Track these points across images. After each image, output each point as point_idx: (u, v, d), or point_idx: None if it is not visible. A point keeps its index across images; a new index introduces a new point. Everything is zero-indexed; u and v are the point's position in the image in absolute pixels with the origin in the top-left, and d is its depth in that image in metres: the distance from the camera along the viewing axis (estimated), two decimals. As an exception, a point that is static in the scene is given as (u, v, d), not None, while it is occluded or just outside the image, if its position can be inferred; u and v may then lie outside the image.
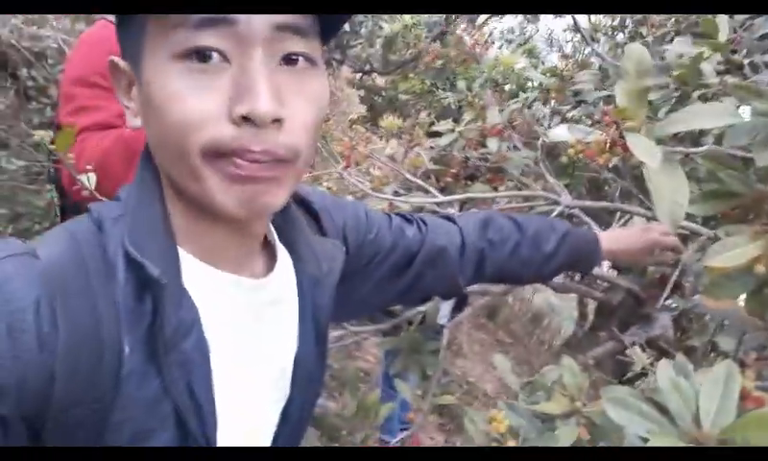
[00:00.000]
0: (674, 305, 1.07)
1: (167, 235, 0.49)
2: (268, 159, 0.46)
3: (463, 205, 1.45)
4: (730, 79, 0.86)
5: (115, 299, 0.46)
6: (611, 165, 0.70)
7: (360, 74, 5.19)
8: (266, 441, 0.59)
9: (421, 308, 1.15)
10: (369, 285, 0.75)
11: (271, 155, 0.46)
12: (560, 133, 0.67)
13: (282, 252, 0.61)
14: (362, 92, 6.19)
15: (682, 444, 0.47)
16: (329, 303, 0.63)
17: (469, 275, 0.83)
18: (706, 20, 0.94)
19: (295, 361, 0.60)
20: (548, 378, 0.81)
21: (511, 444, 0.64)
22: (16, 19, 2.82)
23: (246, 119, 0.44)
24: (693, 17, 1.64)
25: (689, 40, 0.91)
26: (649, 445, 0.47)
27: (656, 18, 1.66)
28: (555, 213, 1.23)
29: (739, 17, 1.61)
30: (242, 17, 0.44)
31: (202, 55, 0.44)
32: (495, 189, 1.40)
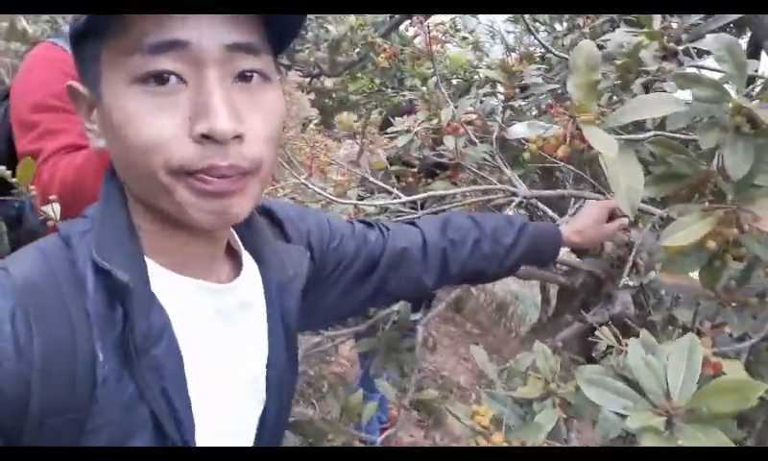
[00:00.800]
0: (631, 283, 1.13)
1: (133, 245, 0.51)
2: (233, 173, 0.48)
3: (424, 202, 1.48)
4: (667, 65, 0.91)
5: (86, 309, 0.48)
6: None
7: (309, 78, 5.17)
8: (248, 440, 0.61)
9: (395, 307, 1.17)
10: (336, 292, 0.77)
11: (236, 168, 0.48)
12: (519, 130, 0.70)
13: (248, 258, 0.63)
14: (312, 95, 6.15)
15: (656, 418, 0.50)
16: (297, 307, 0.65)
17: (435, 275, 0.86)
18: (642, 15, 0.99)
19: (267, 366, 0.62)
20: (522, 364, 0.84)
21: (496, 435, 0.66)
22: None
23: (206, 137, 0.46)
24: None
25: (627, 31, 0.96)
26: (628, 422, 0.50)
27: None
28: (513, 204, 1.28)
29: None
30: (194, 39, 0.46)
31: (159, 78, 0.46)
32: (455, 185, 1.43)
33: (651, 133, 0.76)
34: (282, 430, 0.67)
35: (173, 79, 0.46)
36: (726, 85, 0.70)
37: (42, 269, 0.48)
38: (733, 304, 0.84)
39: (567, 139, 0.64)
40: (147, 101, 0.46)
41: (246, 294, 0.61)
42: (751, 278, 0.86)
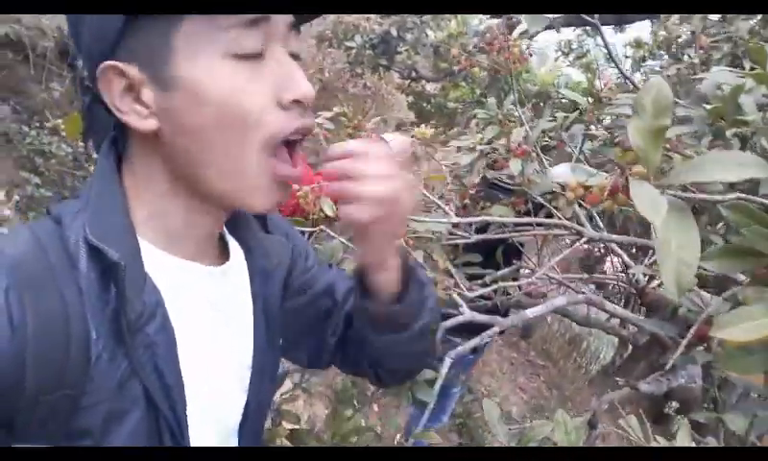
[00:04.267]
0: (699, 359, 0.97)
1: (127, 225, 0.52)
2: (307, 135, 0.52)
3: (483, 228, 1.39)
4: (772, 117, 0.76)
5: (79, 287, 0.48)
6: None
7: (408, 80, 5.15)
8: (234, 425, 0.62)
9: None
10: (305, 319, 0.72)
11: (311, 129, 0.52)
12: (560, 172, 0.60)
13: (234, 245, 0.64)
14: (411, 98, 6.15)
15: None
16: (279, 295, 0.66)
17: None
18: (753, 47, 0.84)
19: (253, 353, 0.63)
20: (540, 432, 0.75)
21: None
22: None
23: (295, 102, 0.50)
24: (754, 42, 1.51)
25: (730, 70, 0.82)
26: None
27: (705, 40, 1.54)
28: (578, 243, 1.16)
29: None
30: (273, 17, 0.49)
31: (250, 53, 0.48)
32: (518, 214, 1.32)
33: (732, 196, 0.64)
34: (265, 414, 0.69)
35: (257, 53, 0.49)
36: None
37: (34, 249, 0.48)
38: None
39: (610, 192, 0.54)
40: (240, 75, 0.48)
41: (234, 278, 0.62)
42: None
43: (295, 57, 0.53)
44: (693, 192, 0.66)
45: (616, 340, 5.07)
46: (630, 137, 0.61)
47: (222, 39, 0.47)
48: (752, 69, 0.95)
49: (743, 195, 0.67)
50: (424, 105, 6.29)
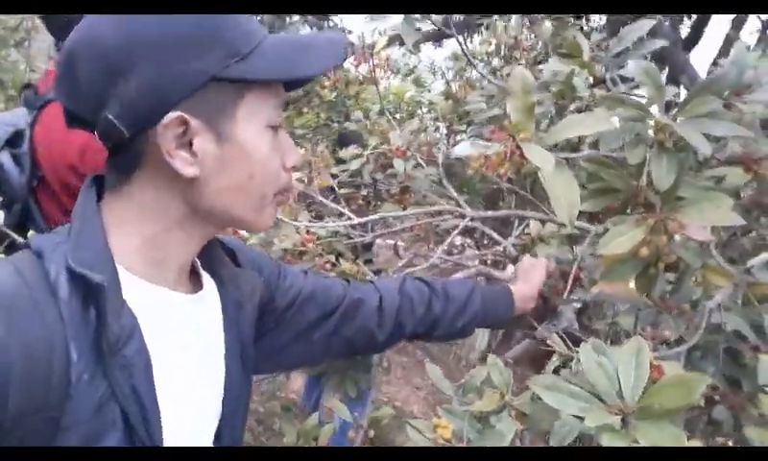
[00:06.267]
0: (576, 297, 1.18)
1: (107, 253, 0.55)
2: None
3: (374, 226, 1.50)
4: (598, 92, 0.98)
5: (61, 313, 0.50)
6: (507, 176, 0.78)
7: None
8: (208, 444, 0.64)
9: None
10: (291, 333, 0.82)
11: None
12: (462, 148, 0.73)
13: (207, 277, 0.68)
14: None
15: (612, 417, 0.53)
16: (251, 326, 0.71)
17: (388, 332, 0.90)
18: (570, 43, 1.07)
19: (225, 381, 0.67)
20: (477, 379, 0.86)
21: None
22: None
23: (293, 167, 0.64)
24: (558, 41, 1.85)
25: (560, 60, 1.03)
26: (586, 423, 0.52)
27: (526, 43, 1.84)
28: (461, 226, 1.31)
29: (594, 38, 1.81)
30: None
31: (276, 126, 0.61)
32: (404, 208, 1.45)
33: (586, 152, 0.81)
34: (239, 439, 0.70)
35: None
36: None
37: (15, 279, 0.50)
38: (671, 312, 0.89)
39: (508, 156, 0.68)
40: (273, 143, 0.60)
41: (207, 307, 0.66)
42: (683, 287, 0.92)
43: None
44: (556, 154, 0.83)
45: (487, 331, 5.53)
46: (510, 114, 0.75)
47: (271, 114, 0.59)
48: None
49: (592, 151, 0.86)
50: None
